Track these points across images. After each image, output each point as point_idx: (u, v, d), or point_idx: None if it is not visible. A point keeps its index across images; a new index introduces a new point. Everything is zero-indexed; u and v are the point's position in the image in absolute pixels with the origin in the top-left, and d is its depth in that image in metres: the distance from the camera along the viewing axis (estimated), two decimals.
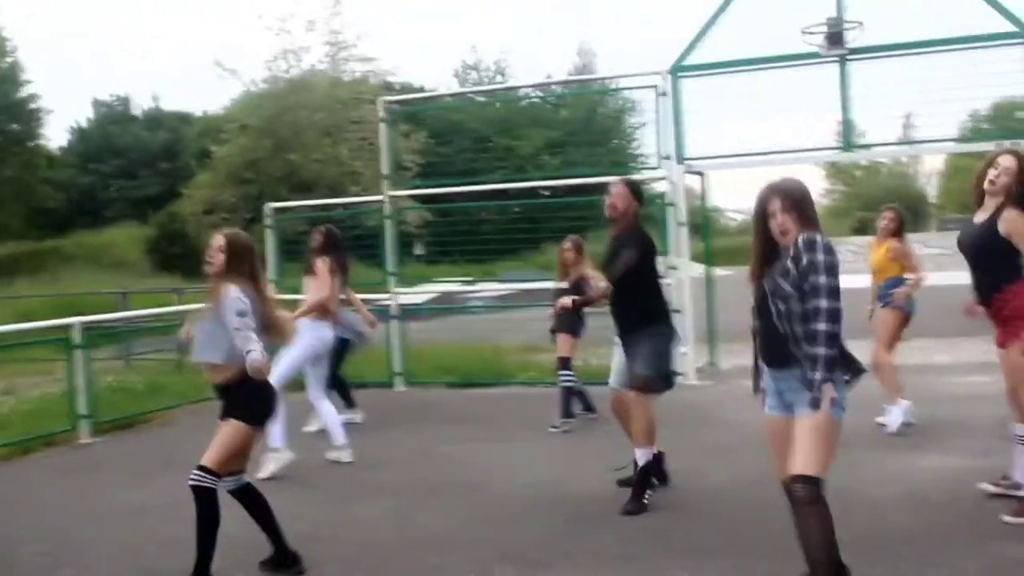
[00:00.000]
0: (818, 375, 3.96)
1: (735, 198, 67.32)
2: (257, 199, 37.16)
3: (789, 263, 4.08)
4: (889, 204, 8.90)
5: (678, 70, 10.97)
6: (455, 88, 48.65)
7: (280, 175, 35.89)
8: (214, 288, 5.17)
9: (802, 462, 4.02)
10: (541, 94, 42.66)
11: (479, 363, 12.70)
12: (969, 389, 9.76)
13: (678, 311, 11.11)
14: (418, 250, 30.23)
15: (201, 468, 5.11)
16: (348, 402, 9.75)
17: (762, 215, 4.23)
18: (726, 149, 11.55)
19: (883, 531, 5.41)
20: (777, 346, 4.16)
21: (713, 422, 9.00)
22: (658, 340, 6.32)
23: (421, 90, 44.52)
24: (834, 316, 3.96)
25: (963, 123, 53.60)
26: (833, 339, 3.96)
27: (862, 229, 50.08)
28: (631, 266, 6.19)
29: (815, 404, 3.98)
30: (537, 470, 7.56)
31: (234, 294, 5.07)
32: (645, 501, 6.17)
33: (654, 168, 11.25)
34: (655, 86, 11.09)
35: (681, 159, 11.03)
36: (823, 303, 3.96)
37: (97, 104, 48.89)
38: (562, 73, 49.17)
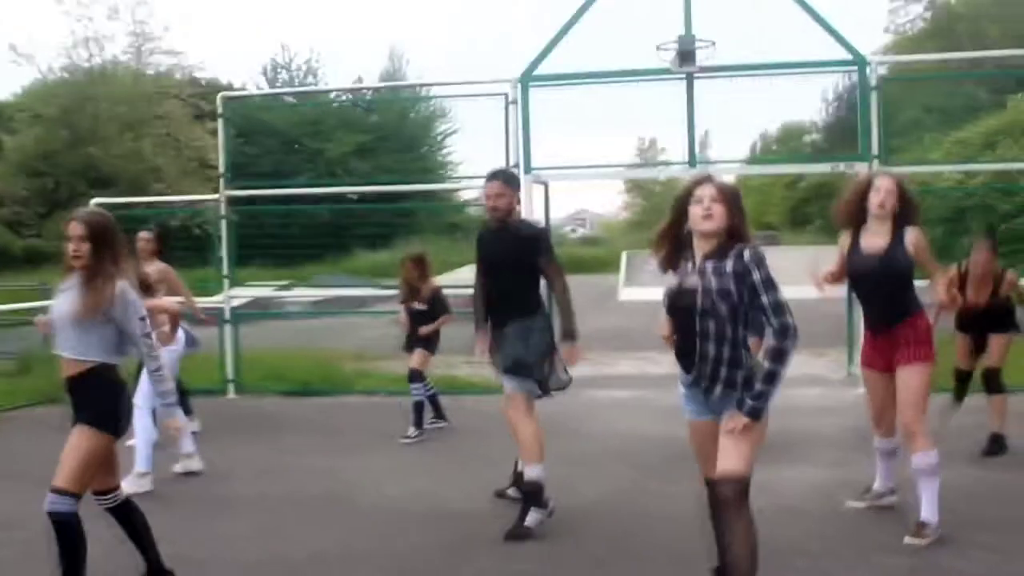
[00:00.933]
0: (760, 387, 3.97)
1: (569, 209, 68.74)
2: (53, 192, 35.36)
3: (729, 266, 4.01)
4: None
5: (528, 79, 10.96)
6: (263, 86, 47.53)
7: (78, 169, 34.14)
8: (89, 286, 4.51)
9: (732, 461, 4.01)
10: (351, 97, 42.45)
11: (314, 371, 12.30)
12: (810, 401, 10.10)
13: None
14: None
15: (57, 490, 4.46)
16: (185, 410, 9.25)
17: (683, 201, 4.16)
18: (567, 161, 11.63)
19: (773, 544, 5.48)
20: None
21: (567, 433, 8.98)
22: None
23: (229, 87, 43.30)
24: (787, 333, 3.97)
25: (753, 144, 56.24)
26: (783, 356, 3.97)
27: None
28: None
29: (753, 413, 3.98)
30: (401, 482, 7.35)
31: (132, 296, 4.55)
32: (527, 525, 5.80)
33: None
34: (505, 94, 11.04)
35: (529, 169, 11.02)
36: (779, 321, 3.96)
37: None
38: (373, 77, 48.61)
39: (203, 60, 61.11)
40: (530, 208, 11.10)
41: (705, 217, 4.05)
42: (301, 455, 8.39)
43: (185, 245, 15.80)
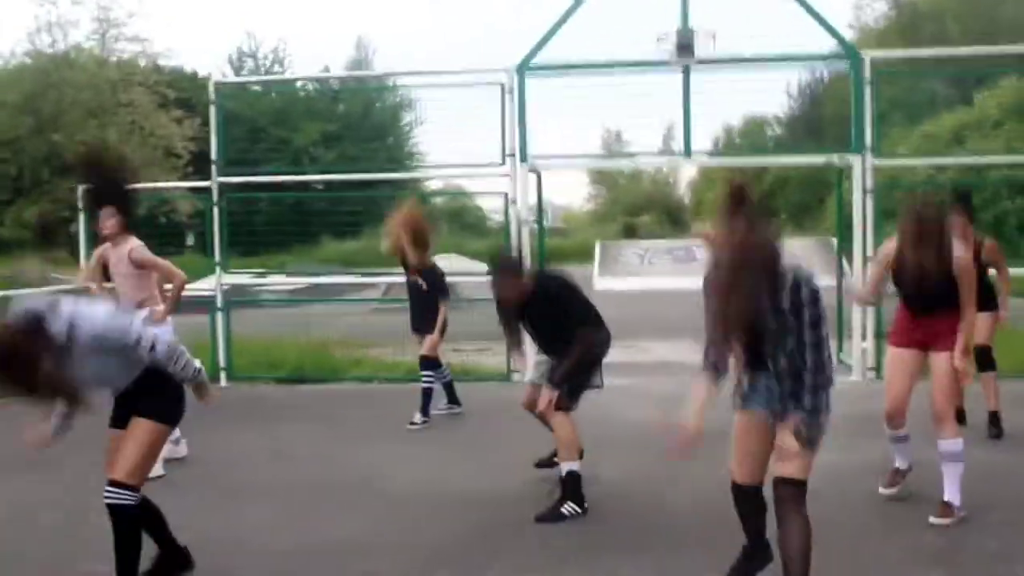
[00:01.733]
0: (808, 401, 4.06)
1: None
2: (16, 180, 34.85)
3: (785, 301, 4.02)
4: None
5: (525, 68, 11.00)
6: (230, 75, 47.14)
7: (41, 156, 33.68)
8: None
9: (794, 465, 4.12)
10: (319, 86, 42.15)
11: (305, 358, 12.26)
12: None
13: None
14: (189, 240, 29.14)
15: (120, 484, 4.41)
16: None
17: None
18: (559, 150, 11.70)
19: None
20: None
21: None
22: None
23: (195, 76, 42.88)
24: (819, 370, 4.07)
25: (716, 137, 56.41)
26: (817, 392, 4.09)
27: (631, 231, 52.27)
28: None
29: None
30: (417, 469, 7.37)
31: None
32: (564, 511, 5.95)
33: (499, 164, 11.18)
34: (501, 84, 11.08)
35: (525, 157, 11.06)
36: (813, 359, 4.04)
37: None
38: (341, 66, 48.43)
39: (169, 48, 60.55)
40: (525, 195, 11.19)
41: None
42: (308, 442, 8.39)
43: (149, 232, 15.60)
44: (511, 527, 5.78)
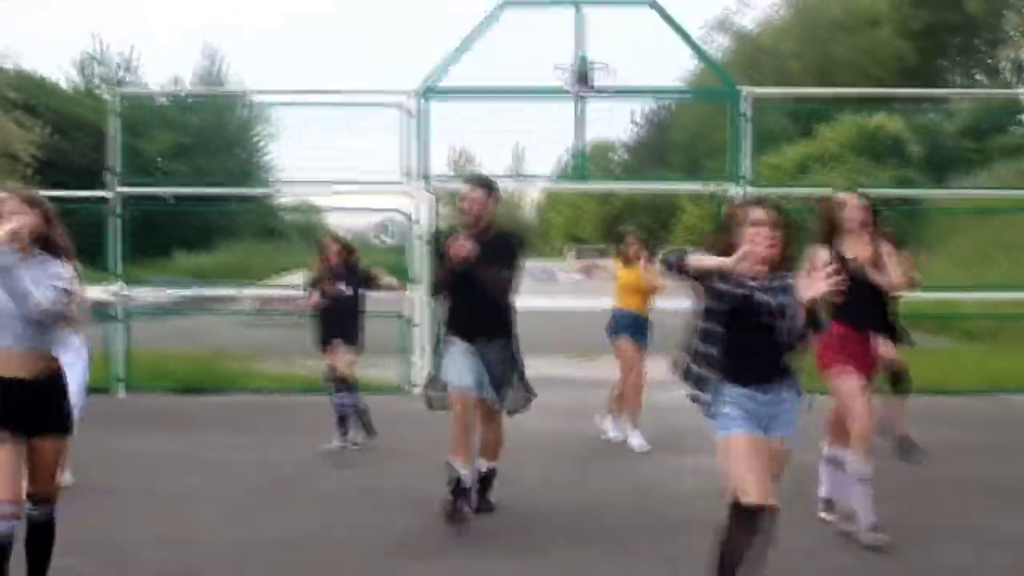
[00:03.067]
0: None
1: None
2: None
3: (790, 282, 4.19)
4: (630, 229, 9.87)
5: (428, 92, 11.46)
6: (75, 79, 45.82)
7: None
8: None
9: (774, 490, 4.16)
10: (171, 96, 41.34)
11: (199, 369, 12.34)
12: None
13: (416, 325, 11.61)
14: None
15: (46, 500, 4.32)
16: None
17: (735, 220, 4.32)
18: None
19: None
20: (768, 364, 4.25)
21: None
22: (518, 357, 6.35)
23: (41, 80, 41.52)
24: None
25: (563, 160, 57.67)
26: None
27: None
28: (508, 280, 6.09)
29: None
30: (348, 471, 7.70)
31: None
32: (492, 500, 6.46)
33: (398, 183, 11.60)
34: (400, 105, 11.52)
35: (426, 177, 11.52)
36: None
37: None
38: (188, 73, 47.75)
39: (9, 47, 58.07)
40: (420, 217, 11.64)
41: (771, 245, 4.23)
42: (225, 449, 8.57)
43: None
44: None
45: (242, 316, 17.69)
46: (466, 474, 5.97)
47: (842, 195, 6.11)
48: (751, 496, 4.05)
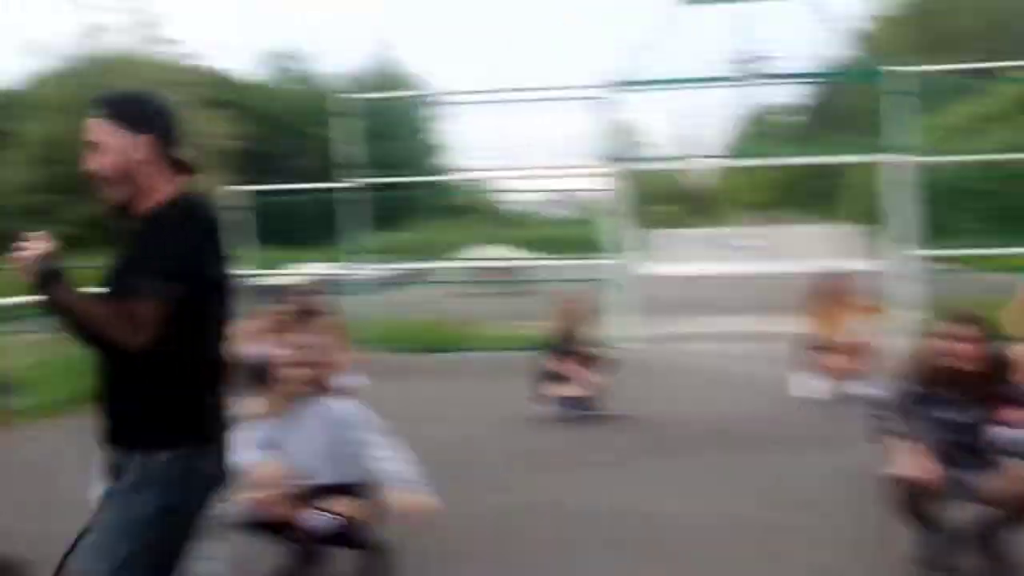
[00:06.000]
0: None
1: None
2: (66, 180, 36.29)
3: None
4: None
5: (621, 84, 13.07)
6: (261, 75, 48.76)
7: None
8: None
9: None
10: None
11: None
12: None
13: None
14: None
15: None
16: None
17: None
18: None
19: None
20: None
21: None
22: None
23: (227, 75, 44.42)
24: None
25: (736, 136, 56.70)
26: None
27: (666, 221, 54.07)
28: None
29: None
30: None
31: None
32: None
33: (597, 165, 13.31)
34: (599, 97, 13.17)
35: (619, 159, 13.14)
36: None
37: None
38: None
39: (200, 49, 62.12)
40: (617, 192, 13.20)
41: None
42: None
43: None
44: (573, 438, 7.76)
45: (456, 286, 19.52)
46: None
47: None
48: None
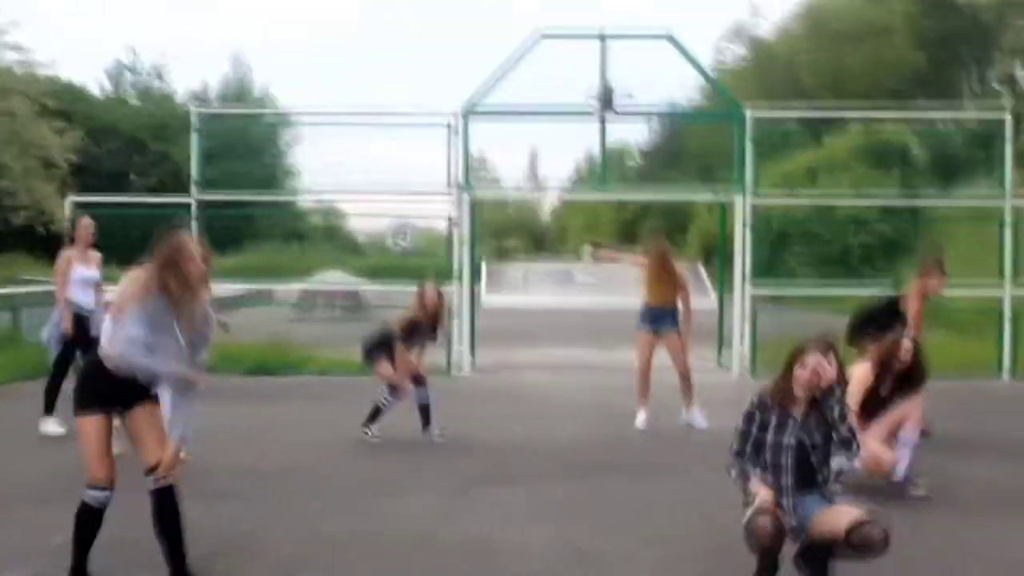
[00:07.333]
0: None
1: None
2: None
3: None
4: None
5: (470, 112, 13.00)
6: (107, 87, 47.21)
7: None
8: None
9: None
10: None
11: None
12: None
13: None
14: None
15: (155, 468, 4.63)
16: None
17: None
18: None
19: None
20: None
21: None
22: None
23: (71, 85, 42.83)
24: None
25: (579, 167, 58.50)
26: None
27: (503, 253, 54.66)
28: None
29: None
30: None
31: None
32: None
33: (444, 193, 13.21)
34: (447, 124, 13.08)
35: (465, 186, 13.06)
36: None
37: None
38: (216, 83, 49.27)
39: (51, 58, 59.57)
40: (463, 221, 13.15)
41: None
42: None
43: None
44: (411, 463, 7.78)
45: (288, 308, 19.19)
46: None
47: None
48: None
